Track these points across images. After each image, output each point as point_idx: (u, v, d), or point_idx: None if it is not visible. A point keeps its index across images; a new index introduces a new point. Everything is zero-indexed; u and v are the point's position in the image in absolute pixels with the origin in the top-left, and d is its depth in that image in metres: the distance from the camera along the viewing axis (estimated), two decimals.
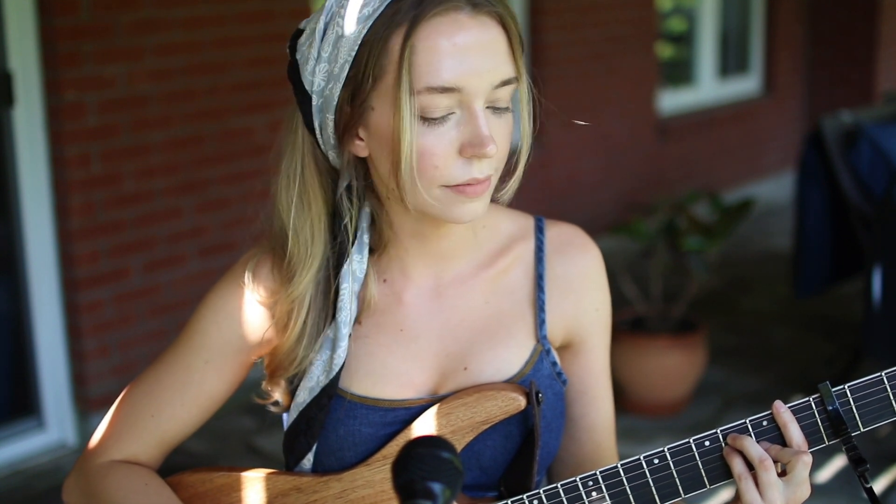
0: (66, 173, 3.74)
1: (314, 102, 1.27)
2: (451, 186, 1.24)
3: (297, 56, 1.28)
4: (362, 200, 1.33)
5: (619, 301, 4.39)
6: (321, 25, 1.25)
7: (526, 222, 1.43)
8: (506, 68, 1.24)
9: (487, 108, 1.24)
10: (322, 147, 1.30)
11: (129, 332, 4.01)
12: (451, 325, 1.37)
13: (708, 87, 7.21)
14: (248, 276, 1.37)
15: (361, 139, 1.27)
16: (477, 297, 1.38)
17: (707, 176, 6.97)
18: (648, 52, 6.46)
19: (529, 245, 1.41)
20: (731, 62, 7.50)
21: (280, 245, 1.35)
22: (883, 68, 7.73)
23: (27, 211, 3.73)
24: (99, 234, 3.86)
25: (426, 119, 1.21)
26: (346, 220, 1.32)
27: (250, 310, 1.37)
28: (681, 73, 7.17)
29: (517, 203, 1.39)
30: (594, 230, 2.51)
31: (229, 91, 4.20)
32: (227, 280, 1.40)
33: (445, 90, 1.20)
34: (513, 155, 1.31)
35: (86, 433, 3.87)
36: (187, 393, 1.39)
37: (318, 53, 1.25)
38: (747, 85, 7.61)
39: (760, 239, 6.58)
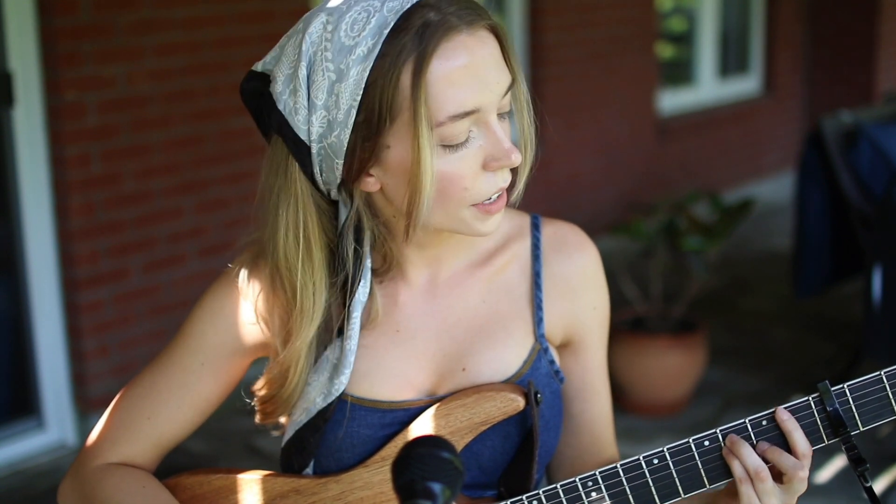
0: (66, 173, 3.74)
1: (313, 150, 1.24)
2: (477, 205, 1.25)
3: (281, 107, 1.25)
4: (363, 230, 1.31)
5: (619, 301, 4.41)
6: (304, 72, 1.21)
7: (522, 220, 1.43)
8: (506, 75, 1.24)
9: (497, 115, 1.24)
10: (322, 187, 1.28)
11: (129, 332, 4.00)
12: (448, 325, 1.37)
13: (708, 87, 7.20)
14: (243, 279, 1.37)
15: (372, 175, 1.25)
16: (473, 296, 1.38)
17: (707, 176, 6.97)
18: (648, 52, 6.46)
19: (526, 243, 1.41)
20: (731, 62, 7.50)
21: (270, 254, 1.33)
22: (883, 68, 7.73)
23: (27, 211, 3.73)
24: (99, 234, 3.86)
25: (449, 146, 1.21)
26: (349, 252, 1.30)
27: (246, 312, 1.37)
28: (681, 73, 7.17)
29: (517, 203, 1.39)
30: (594, 230, 2.52)
31: (229, 91, 4.19)
32: (222, 282, 1.39)
33: (467, 114, 1.20)
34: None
35: (85, 433, 3.87)
36: (183, 395, 1.39)
37: (310, 101, 1.22)
38: (747, 85, 7.61)
39: (760, 239, 6.58)
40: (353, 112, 1.20)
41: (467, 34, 1.20)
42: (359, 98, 1.19)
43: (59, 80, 3.69)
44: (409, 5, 1.19)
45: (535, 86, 5.75)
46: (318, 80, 1.21)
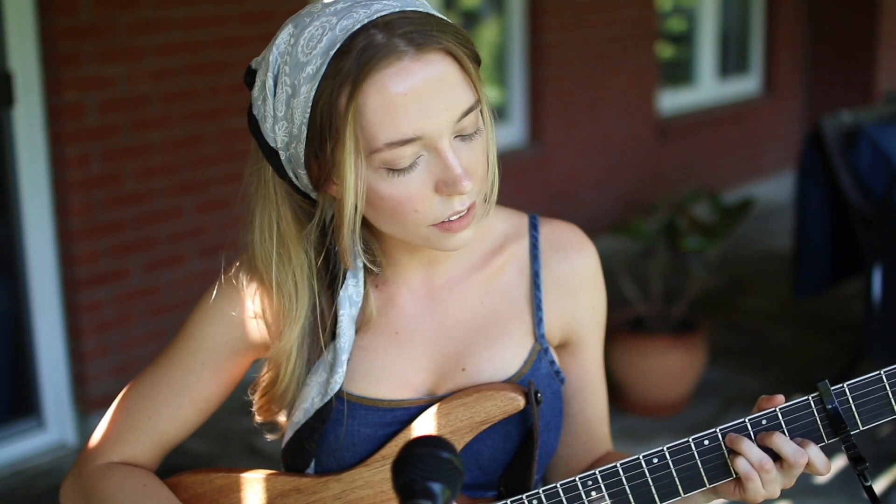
0: (66, 173, 3.74)
1: (282, 157, 1.26)
2: (437, 224, 1.23)
3: (254, 112, 1.26)
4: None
5: (619, 301, 4.42)
6: (270, 83, 1.22)
7: (520, 220, 1.42)
8: (464, 98, 1.20)
9: (456, 138, 1.21)
10: (301, 188, 1.29)
11: (129, 332, 4.01)
12: (447, 327, 1.37)
13: (708, 87, 7.20)
14: (241, 279, 1.37)
15: (336, 184, 1.24)
16: (471, 297, 1.38)
17: (707, 176, 6.97)
18: (648, 52, 6.46)
19: (524, 243, 1.41)
20: (731, 62, 7.50)
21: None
22: (883, 68, 7.73)
23: (27, 211, 3.73)
24: (99, 234, 3.86)
25: (394, 170, 1.19)
26: (333, 252, 1.30)
27: (245, 312, 1.37)
28: (681, 73, 7.17)
29: (517, 203, 1.39)
30: (594, 230, 2.53)
31: (229, 91, 4.20)
32: (222, 282, 1.39)
33: (406, 142, 1.17)
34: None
35: (86, 433, 3.87)
36: (184, 394, 1.40)
37: (274, 112, 1.22)
38: (747, 85, 7.61)
39: (760, 239, 6.58)
40: (304, 129, 1.20)
41: (411, 59, 1.16)
42: (307, 116, 1.19)
43: (59, 80, 3.69)
44: (358, 26, 1.16)
45: (535, 86, 5.75)
46: (279, 93, 1.21)
